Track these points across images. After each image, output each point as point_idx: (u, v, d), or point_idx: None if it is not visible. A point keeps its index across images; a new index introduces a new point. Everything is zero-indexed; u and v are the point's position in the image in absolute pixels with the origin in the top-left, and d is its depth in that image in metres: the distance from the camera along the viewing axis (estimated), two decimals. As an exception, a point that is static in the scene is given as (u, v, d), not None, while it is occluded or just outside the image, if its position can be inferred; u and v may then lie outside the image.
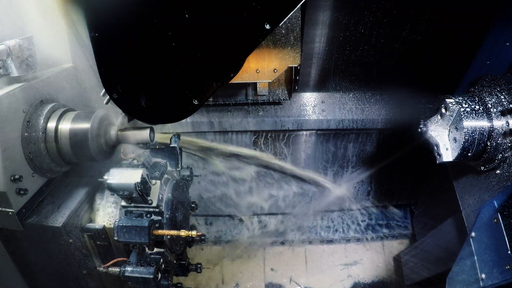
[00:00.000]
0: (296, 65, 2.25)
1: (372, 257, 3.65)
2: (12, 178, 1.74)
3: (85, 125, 1.96)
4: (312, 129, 3.18)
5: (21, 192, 1.81)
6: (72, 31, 2.33)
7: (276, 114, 3.07)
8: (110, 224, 2.01)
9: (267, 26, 1.27)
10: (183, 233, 1.88)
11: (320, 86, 3.03)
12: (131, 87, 1.56)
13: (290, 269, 3.58)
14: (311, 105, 3.09)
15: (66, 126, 1.99)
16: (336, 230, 3.74)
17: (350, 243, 3.73)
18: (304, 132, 3.22)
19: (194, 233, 1.91)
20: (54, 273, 2.07)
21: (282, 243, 3.72)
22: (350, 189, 3.59)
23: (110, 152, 2.15)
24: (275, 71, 2.25)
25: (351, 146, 3.34)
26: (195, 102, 1.51)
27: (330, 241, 3.73)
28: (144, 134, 1.99)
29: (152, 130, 2.01)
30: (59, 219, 1.91)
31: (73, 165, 2.17)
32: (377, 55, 2.74)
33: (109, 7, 1.36)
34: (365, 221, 3.74)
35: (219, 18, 1.29)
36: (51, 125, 1.96)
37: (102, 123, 2.04)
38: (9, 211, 1.77)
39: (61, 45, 2.28)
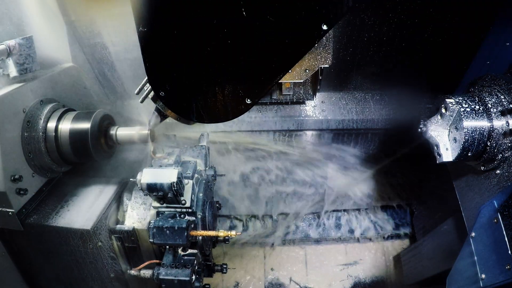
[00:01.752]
0: (327, 66, 2.26)
1: (372, 257, 3.65)
2: (12, 178, 1.74)
3: (85, 125, 1.96)
4: (312, 129, 3.18)
5: (21, 192, 1.81)
6: (72, 31, 2.34)
7: (285, 114, 3.06)
8: (139, 226, 1.96)
9: (324, 27, 1.25)
10: (222, 233, 1.84)
11: (325, 86, 3.03)
12: (181, 85, 1.49)
13: (290, 269, 3.58)
14: (311, 105, 3.09)
15: (66, 126, 1.99)
16: (336, 230, 3.74)
17: (350, 243, 3.73)
18: (305, 132, 3.22)
19: (233, 233, 1.86)
20: (76, 276, 2.03)
21: (282, 243, 3.72)
22: (350, 189, 3.59)
23: (110, 152, 2.15)
24: (307, 71, 2.24)
25: (351, 146, 3.34)
26: (248, 101, 1.48)
27: (330, 241, 3.73)
28: (144, 134, 1.99)
29: (152, 131, 2.01)
30: (88, 222, 1.85)
31: (74, 165, 2.17)
32: (377, 55, 2.74)
33: (160, 0, 1.30)
34: (365, 221, 3.74)
35: (277, 17, 1.27)
36: (51, 125, 1.97)
37: (102, 123, 2.04)
38: (9, 211, 1.77)
39: (61, 45, 2.28)
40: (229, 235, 1.86)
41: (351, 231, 3.73)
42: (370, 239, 3.71)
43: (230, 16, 1.29)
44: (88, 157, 2.01)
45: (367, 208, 3.73)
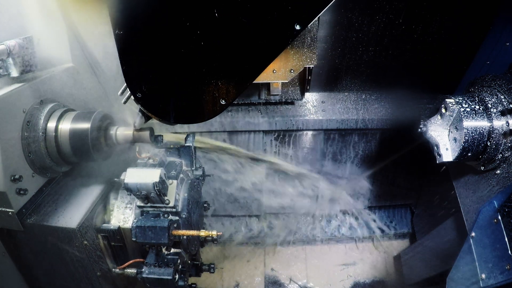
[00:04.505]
0: (312, 66, 2.26)
1: (372, 257, 3.65)
2: (12, 178, 1.74)
3: (85, 125, 1.96)
4: (312, 129, 3.18)
5: (21, 192, 1.80)
6: (72, 31, 2.34)
7: (282, 114, 3.07)
8: (125, 225, 1.98)
9: (297, 27, 1.26)
10: (203, 233, 1.86)
11: (321, 86, 3.03)
12: (157, 87, 1.53)
13: (290, 269, 3.58)
14: (312, 105, 3.09)
15: (66, 126, 1.98)
16: (336, 230, 3.74)
17: (350, 243, 3.73)
18: (305, 132, 3.22)
19: (214, 232, 1.89)
20: (65, 275, 2.05)
21: (282, 243, 3.72)
22: (350, 189, 3.59)
23: (110, 152, 2.15)
24: (292, 71, 2.25)
25: (352, 146, 3.34)
26: (222, 102, 1.49)
27: (330, 241, 3.73)
28: (145, 134, 1.99)
29: (152, 130, 2.01)
30: (73, 221, 1.87)
31: (73, 165, 2.17)
32: (377, 55, 2.74)
33: (135, 3, 1.33)
34: (365, 221, 3.74)
35: (249, 17, 1.28)
36: (51, 125, 1.96)
37: (102, 123, 2.04)
38: (9, 211, 1.77)
39: (61, 45, 2.28)
40: (211, 235, 1.88)
41: (351, 231, 3.73)
42: (370, 239, 3.71)
43: (203, 18, 1.31)
44: (88, 157, 2.01)
45: (367, 208, 3.73)
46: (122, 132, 2.07)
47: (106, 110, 2.13)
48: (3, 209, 1.77)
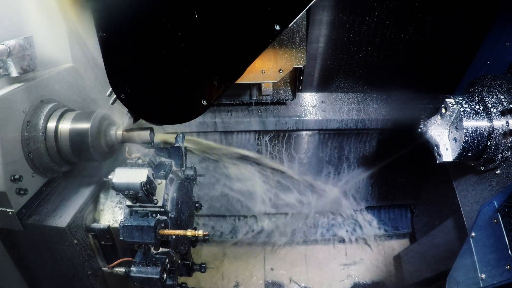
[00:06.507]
0: (301, 66, 2.27)
1: (372, 257, 3.65)
2: (12, 178, 1.74)
3: (85, 125, 1.96)
4: (312, 129, 3.18)
5: (21, 192, 1.80)
6: (72, 31, 2.34)
7: (278, 114, 3.07)
8: (114, 224, 2.00)
9: (277, 27, 1.26)
10: (189, 232, 1.88)
11: (321, 86, 3.03)
12: (140, 88, 1.55)
13: (290, 269, 3.58)
14: (311, 105, 3.09)
15: (66, 126, 1.98)
16: (336, 230, 3.74)
17: (350, 243, 3.73)
18: (305, 132, 3.22)
19: (200, 232, 1.91)
20: (57, 274, 2.06)
21: (282, 243, 3.72)
22: (350, 189, 3.58)
23: (110, 152, 2.15)
24: (281, 71, 2.26)
25: (351, 146, 3.34)
26: (204, 102, 1.51)
27: (330, 241, 3.73)
28: (145, 134, 1.99)
29: (152, 130, 2.01)
30: (63, 220, 1.88)
31: (73, 165, 2.17)
32: (378, 55, 2.74)
33: (117, 6, 1.35)
34: (365, 221, 3.74)
35: (229, 18, 1.29)
36: (51, 125, 1.96)
37: (102, 123, 2.04)
38: (9, 211, 1.77)
39: (61, 45, 2.28)
40: (197, 235, 1.90)
41: (351, 231, 3.73)
42: (370, 239, 3.71)
43: (183, 20, 1.32)
44: (88, 157, 2.01)
45: (367, 208, 3.73)
46: (122, 132, 2.07)
47: (106, 110, 2.13)
48: (3, 209, 1.77)
